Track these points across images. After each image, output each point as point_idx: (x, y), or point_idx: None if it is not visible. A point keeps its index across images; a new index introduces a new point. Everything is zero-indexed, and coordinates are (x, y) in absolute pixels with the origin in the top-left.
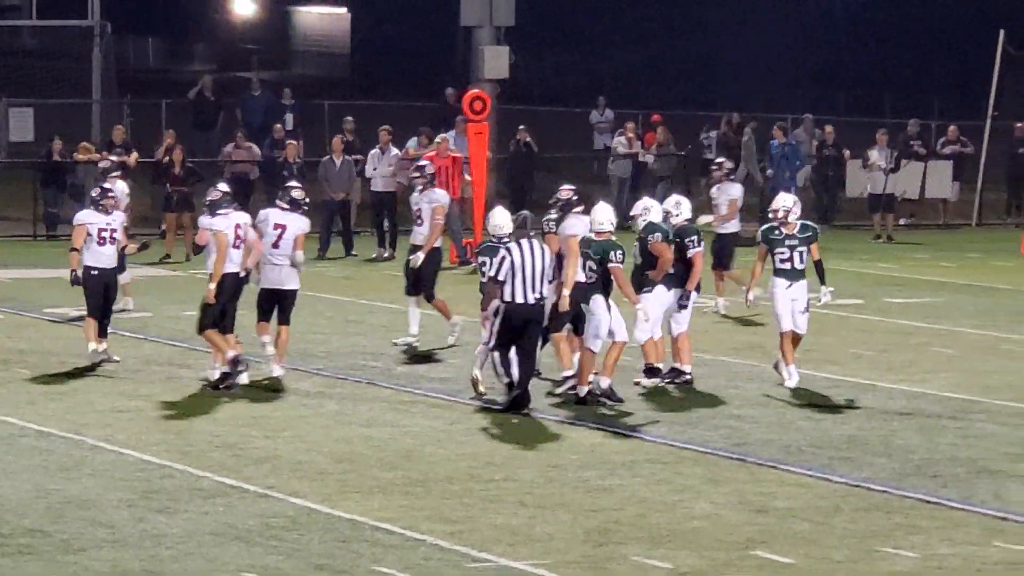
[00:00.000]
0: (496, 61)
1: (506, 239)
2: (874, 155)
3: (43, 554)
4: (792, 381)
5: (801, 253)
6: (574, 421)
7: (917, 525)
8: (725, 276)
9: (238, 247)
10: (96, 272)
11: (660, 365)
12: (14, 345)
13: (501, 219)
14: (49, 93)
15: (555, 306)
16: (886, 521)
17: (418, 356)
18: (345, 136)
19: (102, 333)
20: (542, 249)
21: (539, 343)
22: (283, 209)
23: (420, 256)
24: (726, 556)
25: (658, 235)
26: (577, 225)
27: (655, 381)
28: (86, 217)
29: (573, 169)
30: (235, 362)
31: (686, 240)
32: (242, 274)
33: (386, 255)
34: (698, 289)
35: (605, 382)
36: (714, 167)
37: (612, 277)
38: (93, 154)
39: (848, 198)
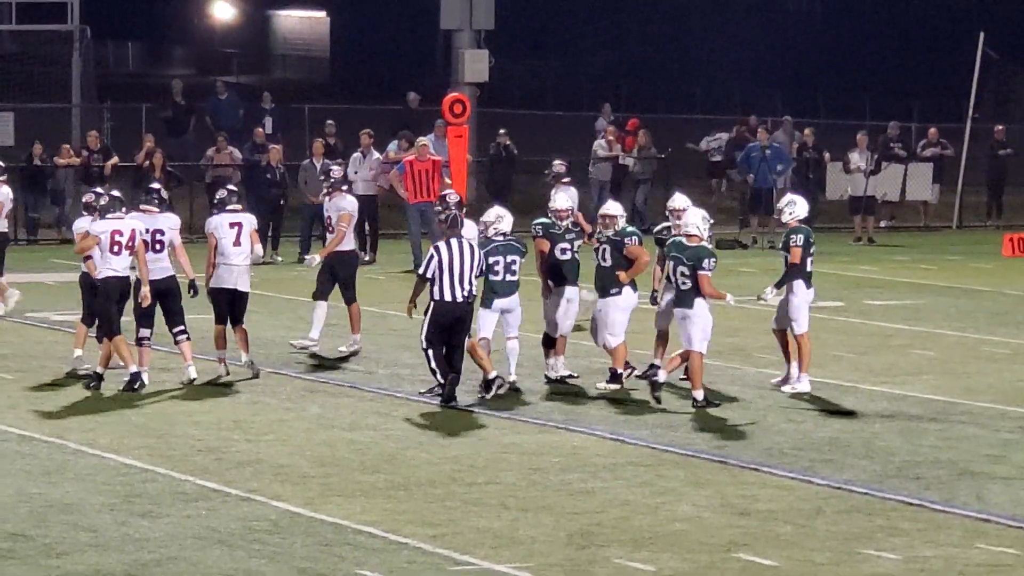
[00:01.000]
0: (476, 65)
1: (502, 236)
2: (854, 157)
3: (25, 558)
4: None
5: (786, 257)
6: (557, 424)
7: (899, 527)
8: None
9: (117, 253)
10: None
11: (623, 372)
12: None
13: (504, 217)
14: (29, 97)
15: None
16: (868, 523)
17: (400, 360)
18: (326, 140)
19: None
20: (471, 248)
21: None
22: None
23: (316, 259)
24: (708, 558)
25: (635, 238)
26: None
27: (616, 386)
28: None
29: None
30: (103, 368)
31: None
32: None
33: (367, 259)
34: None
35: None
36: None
37: (698, 283)
38: (72, 158)
39: (828, 200)
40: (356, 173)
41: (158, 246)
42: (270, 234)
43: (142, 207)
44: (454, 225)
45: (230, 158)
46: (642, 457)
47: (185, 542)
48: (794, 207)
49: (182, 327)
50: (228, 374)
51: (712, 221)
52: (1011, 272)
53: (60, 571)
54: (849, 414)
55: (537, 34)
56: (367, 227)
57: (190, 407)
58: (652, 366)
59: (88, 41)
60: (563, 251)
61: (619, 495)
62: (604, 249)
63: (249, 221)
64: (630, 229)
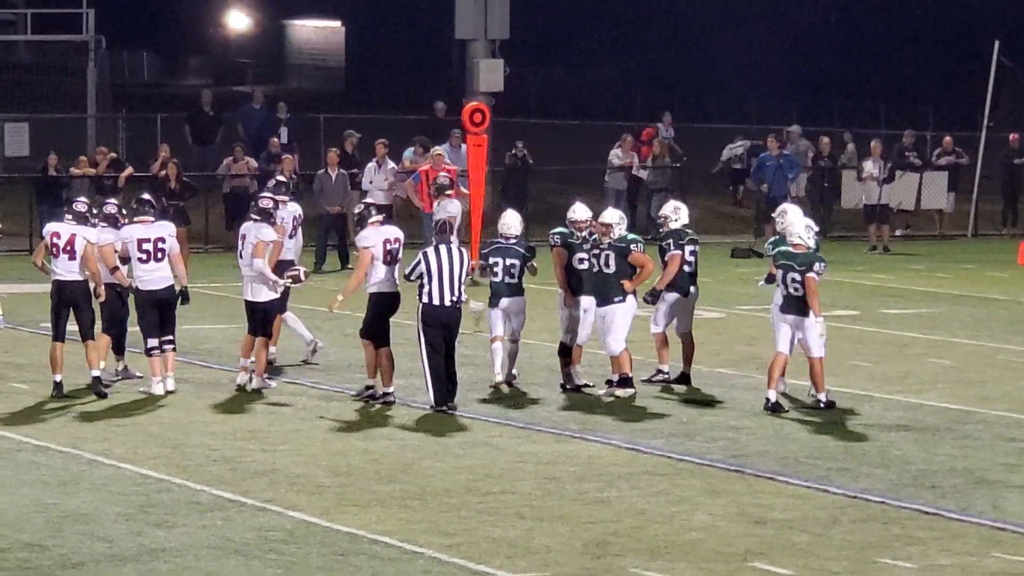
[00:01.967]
0: (491, 74)
1: (513, 239)
2: (868, 166)
3: (41, 568)
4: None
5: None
6: (573, 433)
7: (915, 536)
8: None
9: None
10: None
11: (632, 375)
12: (11, 360)
13: (511, 220)
14: (44, 108)
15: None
16: (884, 532)
17: (415, 371)
18: (347, 149)
19: (118, 350)
20: (460, 253)
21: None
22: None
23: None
24: (724, 568)
25: (640, 245)
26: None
27: (631, 391)
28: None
29: (570, 180)
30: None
31: (668, 243)
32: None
33: None
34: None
35: (823, 395)
36: None
37: (805, 287)
38: (87, 168)
39: (843, 209)
40: (371, 182)
41: (159, 255)
42: None
43: (136, 219)
44: (443, 231)
45: (247, 168)
46: (658, 466)
47: (201, 552)
48: (785, 216)
49: (171, 337)
50: (267, 387)
51: (817, 229)
52: None
53: None
54: (865, 423)
55: (552, 44)
56: None
57: (205, 417)
58: (659, 371)
59: (103, 51)
60: (580, 261)
61: (635, 504)
62: (607, 256)
63: (254, 232)
64: (632, 236)
